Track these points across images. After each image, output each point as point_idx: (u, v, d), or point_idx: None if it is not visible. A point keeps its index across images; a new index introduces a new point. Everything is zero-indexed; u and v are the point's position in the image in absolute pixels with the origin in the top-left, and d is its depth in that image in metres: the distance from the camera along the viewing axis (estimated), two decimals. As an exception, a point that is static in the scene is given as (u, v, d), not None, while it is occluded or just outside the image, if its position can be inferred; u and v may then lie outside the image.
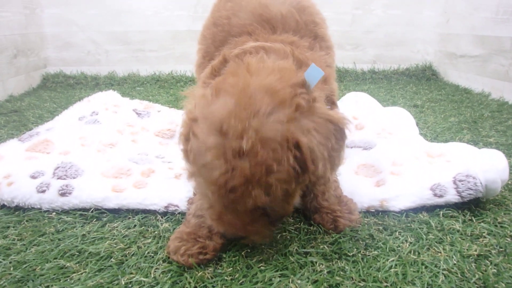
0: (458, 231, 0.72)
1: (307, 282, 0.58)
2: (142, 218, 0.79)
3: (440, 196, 0.79)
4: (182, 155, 0.61)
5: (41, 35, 2.28)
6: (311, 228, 0.74)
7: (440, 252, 0.66)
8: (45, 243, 0.70)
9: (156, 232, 0.73)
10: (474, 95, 1.94)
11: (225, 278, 0.60)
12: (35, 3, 2.20)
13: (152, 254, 0.66)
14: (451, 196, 0.78)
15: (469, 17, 2.12)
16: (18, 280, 0.60)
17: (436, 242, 0.69)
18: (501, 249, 0.67)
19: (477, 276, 0.60)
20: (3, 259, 0.66)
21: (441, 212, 0.79)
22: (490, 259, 0.64)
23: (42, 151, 1.02)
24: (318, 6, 0.86)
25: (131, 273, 0.61)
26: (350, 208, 0.76)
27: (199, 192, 0.62)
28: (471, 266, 0.62)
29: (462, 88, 2.10)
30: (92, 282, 0.59)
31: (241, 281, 0.59)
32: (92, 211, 0.81)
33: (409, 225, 0.75)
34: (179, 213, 0.80)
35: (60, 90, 2.13)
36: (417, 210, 0.80)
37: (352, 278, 0.60)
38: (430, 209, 0.80)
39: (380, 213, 0.80)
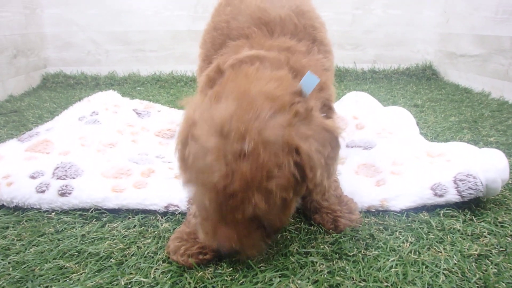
0: (458, 230, 0.72)
1: (308, 282, 0.58)
2: (142, 218, 0.79)
3: (441, 195, 0.79)
4: (177, 163, 0.60)
5: (41, 35, 2.28)
6: (312, 228, 0.74)
7: (441, 252, 0.66)
8: (45, 243, 0.70)
9: (156, 232, 0.73)
10: (474, 94, 1.94)
11: (225, 278, 0.60)
12: (35, 3, 2.20)
13: (152, 255, 0.66)
14: (452, 196, 0.78)
15: (469, 17, 2.12)
16: (17, 281, 0.60)
17: (436, 241, 0.69)
18: (501, 249, 0.67)
19: (477, 276, 0.60)
20: (2, 260, 0.65)
21: (442, 212, 0.78)
22: (490, 258, 0.64)
23: (42, 151, 1.02)
24: (318, 6, 0.85)
25: (131, 274, 0.61)
26: (350, 208, 0.76)
27: (195, 203, 0.61)
28: (472, 266, 0.62)
29: (462, 88, 2.10)
30: (92, 282, 0.59)
31: (241, 281, 0.59)
32: (91, 211, 0.80)
33: (409, 224, 0.75)
34: (179, 213, 0.80)
35: (60, 90, 2.13)
36: (417, 209, 0.79)
37: (353, 278, 0.59)
38: (431, 208, 0.80)
39: (380, 213, 0.80)
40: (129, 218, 0.79)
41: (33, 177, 0.86)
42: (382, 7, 2.42)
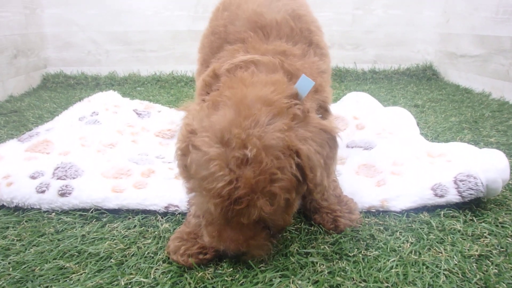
0: (459, 231, 0.72)
1: (308, 282, 0.58)
2: (142, 219, 0.78)
3: (441, 196, 0.79)
4: (179, 171, 0.60)
5: (41, 35, 2.28)
6: (312, 228, 0.74)
7: (441, 252, 0.66)
8: (45, 243, 0.70)
9: (156, 232, 0.73)
10: (474, 95, 1.94)
11: (226, 278, 0.60)
12: (35, 3, 2.20)
13: (152, 255, 0.66)
14: (452, 196, 0.78)
15: (469, 17, 2.12)
16: (17, 281, 0.60)
17: (437, 242, 0.69)
18: (502, 249, 0.66)
19: (478, 276, 0.59)
20: (2, 260, 0.65)
21: (442, 212, 0.78)
22: (491, 259, 0.64)
23: (42, 151, 1.02)
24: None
25: (131, 274, 0.61)
26: (350, 208, 0.76)
27: (198, 208, 0.62)
28: (472, 266, 0.62)
29: (463, 88, 2.10)
30: (92, 282, 0.59)
31: (241, 281, 0.59)
32: (92, 212, 0.80)
33: (410, 225, 0.75)
34: (179, 213, 0.80)
35: (60, 90, 2.13)
36: (418, 210, 0.79)
37: (353, 278, 0.59)
38: (431, 209, 0.80)
39: (381, 213, 0.79)
40: (129, 218, 0.79)
41: (33, 177, 0.86)
42: (382, 7, 2.42)
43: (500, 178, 0.77)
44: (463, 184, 0.78)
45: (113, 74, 2.37)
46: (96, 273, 0.61)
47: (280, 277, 0.59)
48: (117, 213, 0.81)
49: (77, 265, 0.63)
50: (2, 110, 1.65)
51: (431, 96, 1.92)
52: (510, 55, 1.81)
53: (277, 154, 0.52)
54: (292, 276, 0.59)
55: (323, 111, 0.77)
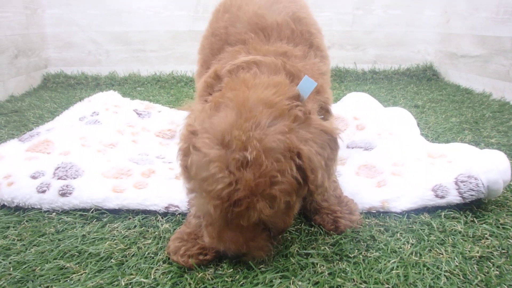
0: (460, 232, 0.72)
1: (308, 283, 0.58)
2: (142, 219, 0.78)
3: (442, 197, 0.78)
4: (180, 171, 0.60)
5: (42, 35, 2.28)
6: (312, 229, 0.74)
7: (442, 254, 0.65)
8: (45, 243, 0.70)
9: (156, 232, 0.73)
10: (475, 95, 1.93)
11: (226, 279, 0.60)
12: (36, 3, 2.20)
13: (152, 255, 0.66)
14: (453, 197, 0.78)
15: (470, 17, 2.12)
16: (17, 281, 0.60)
17: (437, 243, 0.69)
18: (503, 251, 0.66)
19: (479, 278, 0.59)
20: (3, 259, 0.65)
21: (443, 213, 0.78)
22: (492, 260, 0.64)
23: (43, 151, 1.02)
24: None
25: (131, 274, 0.61)
26: (350, 209, 0.76)
27: (198, 209, 0.62)
28: (473, 267, 0.62)
29: (463, 89, 2.10)
30: (92, 283, 0.59)
31: (241, 282, 0.59)
32: (92, 212, 0.80)
33: (410, 226, 0.75)
34: (179, 213, 0.80)
35: (60, 90, 2.13)
36: (418, 211, 0.79)
37: (353, 279, 0.59)
38: (432, 210, 0.80)
39: (381, 214, 0.79)
40: (130, 218, 0.79)
41: (34, 177, 0.86)
42: (382, 7, 2.42)
43: (501, 179, 0.77)
44: (464, 185, 0.78)
45: (113, 74, 2.37)
46: (97, 273, 0.61)
47: (280, 278, 0.59)
48: (117, 213, 0.81)
49: (77, 265, 0.63)
50: (3, 110, 1.65)
51: (432, 96, 1.91)
52: (510, 55, 1.81)
53: (277, 156, 0.53)
54: (293, 277, 0.59)
55: (324, 112, 0.77)
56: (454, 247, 0.67)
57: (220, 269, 0.62)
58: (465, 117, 1.51)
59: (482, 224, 0.75)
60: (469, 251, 0.66)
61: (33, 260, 0.65)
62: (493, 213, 0.79)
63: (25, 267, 0.63)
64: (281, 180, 0.53)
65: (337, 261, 0.64)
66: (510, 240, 0.69)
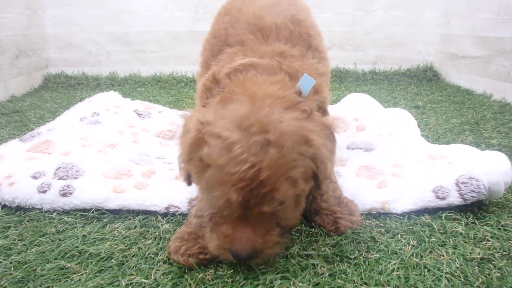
0: (461, 234, 0.72)
1: (308, 284, 0.58)
2: (142, 219, 0.78)
3: (443, 198, 0.78)
4: (192, 165, 0.57)
5: (43, 35, 2.29)
6: (312, 230, 0.74)
7: (443, 255, 0.65)
8: (46, 243, 0.70)
9: (156, 233, 0.73)
10: (475, 96, 1.93)
11: (226, 280, 0.60)
12: (37, 3, 2.20)
13: (153, 256, 0.66)
14: (454, 199, 0.78)
15: (470, 17, 2.12)
16: (18, 281, 0.60)
17: (438, 245, 0.68)
18: (504, 253, 0.66)
19: (480, 280, 0.59)
20: (4, 259, 0.65)
21: (444, 215, 0.78)
22: (493, 262, 0.64)
23: (44, 151, 1.02)
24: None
25: (132, 274, 0.61)
26: (350, 209, 0.76)
27: (212, 205, 0.57)
28: (474, 269, 0.62)
29: (464, 89, 2.10)
30: (93, 283, 0.59)
31: (241, 283, 0.59)
32: (92, 212, 0.80)
33: (411, 227, 0.74)
34: (179, 214, 0.80)
35: (61, 90, 2.14)
36: (419, 212, 0.79)
37: (354, 281, 0.59)
38: (433, 211, 0.79)
39: (382, 215, 0.79)
40: (130, 219, 0.79)
41: (34, 177, 0.86)
42: (382, 8, 2.42)
43: (502, 181, 0.77)
44: (465, 186, 0.78)
45: (113, 75, 2.37)
46: (97, 274, 0.61)
47: (280, 279, 0.59)
48: (117, 213, 0.81)
49: (78, 265, 0.63)
50: (4, 110, 1.65)
51: (432, 97, 1.91)
52: (511, 56, 1.81)
53: (296, 139, 0.54)
54: (293, 278, 0.59)
55: (322, 111, 0.78)
56: (455, 249, 0.67)
57: (221, 269, 0.62)
58: (466, 118, 1.51)
59: (483, 225, 0.74)
60: (470, 252, 0.66)
61: (34, 260, 0.65)
62: (494, 214, 0.79)
63: (26, 267, 0.63)
64: (301, 163, 0.54)
65: (337, 262, 0.64)
66: (511, 242, 0.69)
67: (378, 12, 2.43)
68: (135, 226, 0.76)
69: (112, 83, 2.30)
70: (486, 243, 0.69)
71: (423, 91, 2.06)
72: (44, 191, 0.82)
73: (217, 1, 0.96)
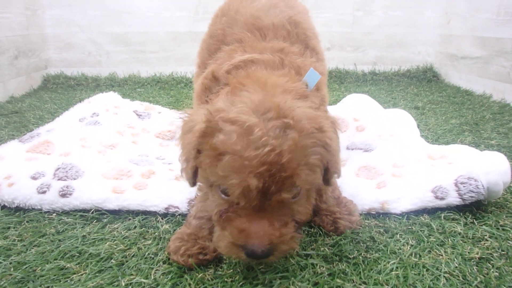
0: (459, 233, 0.72)
1: (308, 284, 0.58)
2: (142, 220, 0.79)
3: (442, 198, 0.78)
4: (203, 157, 0.53)
5: (42, 36, 2.29)
6: (312, 230, 0.74)
7: (442, 255, 0.66)
8: (46, 244, 0.70)
9: (156, 233, 0.73)
10: (475, 96, 1.93)
11: (225, 280, 0.60)
12: (36, 4, 2.20)
13: (153, 256, 0.66)
14: (453, 199, 0.78)
15: (470, 18, 2.12)
16: (18, 281, 0.60)
17: (437, 244, 0.69)
18: (503, 252, 0.66)
19: (478, 279, 0.59)
20: (4, 260, 0.66)
21: (443, 215, 0.78)
22: (492, 262, 0.64)
23: (43, 152, 1.02)
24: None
25: (131, 275, 0.61)
26: (349, 209, 0.76)
27: (231, 191, 0.52)
28: (473, 269, 0.62)
29: (463, 90, 2.10)
30: (92, 283, 0.59)
31: (241, 283, 0.59)
32: (92, 212, 0.81)
33: (410, 227, 0.75)
34: (179, 214, 0.80)
35: (60, 91, 2.14)
36: (418, 212, 0.79)
37: (353, 280, 0.59)
38: (432, 211, 0.80)
39: (381, 215, 0.79)
40: (130, 219, 0.79)
41: (34, 178, 0.86)
42: (382, 8, 2.42)
43: (501, 181, 0.77)
44: (464, 186, 0.78)
45: (113, 75, 2.37)
46: (97, 274, 0.62)
47: (280, 279, 0.59)
48: (117, 214, 0.81)
49: (78, 266, 0.64)
50: (3, 111, 1.65)
51: (432, 98, 1.92)
52: (511, 57, 1.81)
53: (313, 126, 0.53)
54: (292, 278, 0.59)
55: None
56: (454, 249, 0.67)
57: (220, 269, 0.62)
58: (465, 119, 1.51)
59: (481, 225, 0.75)
60: (468, 252, 0.66)
61: (34, 260, 0.65)
62: (493, 214, 0.79)
63: (26, 268, 0.63)
64: (317, 150, 0.53)
65: (336, 262, 0.64)
66: (509, 242, 0.69)
67: (378, 13, 2.43)
68: (135, 227, 0.76)
69: (111, 83, 2.30)
70: (484, 243, 0.69)
71: (423, 92, 2.07)
72: (44, 192, 0.82)
73: (217, 1, 0.96)
